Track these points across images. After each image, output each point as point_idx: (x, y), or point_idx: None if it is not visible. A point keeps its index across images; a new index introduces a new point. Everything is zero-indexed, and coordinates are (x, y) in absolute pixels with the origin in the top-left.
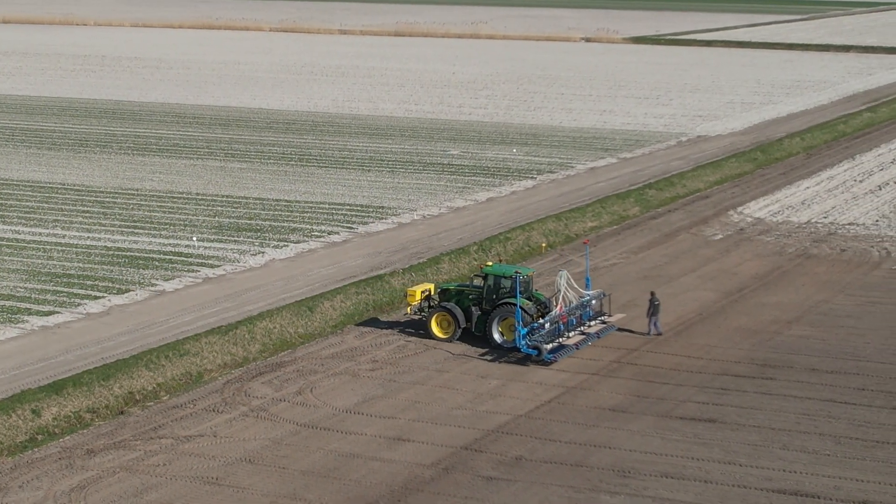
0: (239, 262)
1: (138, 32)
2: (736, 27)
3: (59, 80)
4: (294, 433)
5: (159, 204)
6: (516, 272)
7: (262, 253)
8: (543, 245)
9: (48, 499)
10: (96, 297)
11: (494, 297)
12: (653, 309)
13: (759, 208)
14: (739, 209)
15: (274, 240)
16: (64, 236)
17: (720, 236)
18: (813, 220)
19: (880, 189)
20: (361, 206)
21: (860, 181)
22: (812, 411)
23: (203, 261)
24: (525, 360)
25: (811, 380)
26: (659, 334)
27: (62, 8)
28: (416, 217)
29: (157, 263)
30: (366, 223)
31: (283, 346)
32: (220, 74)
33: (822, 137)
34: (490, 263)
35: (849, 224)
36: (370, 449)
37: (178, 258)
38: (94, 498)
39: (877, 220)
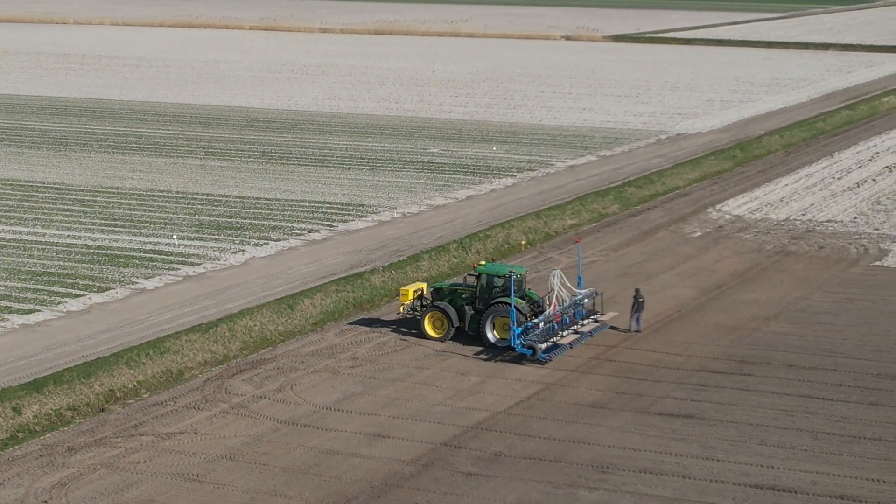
0: (219, 260)
1: (118, 31)
2: (716, 25)
3: (39, 79)
4: (274, 430)
5: (139, 202)
6: (511, 272)
7: (243, 251)
8: (523, 243)
9: (29, 496)
10: (77, 296)
11: (488, 296)
12: (637, 305)
13: (737, 206)
14: (718, 207)
15: (254, 238)
16: (44, 235)
17: (699, 234)
18: (791, 218)
19: (858, 186)
20: (341, 204)
21: (838, 178)
22: (789, 407)
23: (183, 259)
24: (520, 358)
25: (789, 376)
26: (638, 331)
27: (42, 6)
28: (396, 215)
29: (137, 262)
30: (346, 221)
31: (263, 343)
32: (201, 73)
33: (800, 135)
34: (483, 263)
35: (827, 221)
36: (350, 445)
37: (159, 256)
38: (75, 495)
39: (855, 218)
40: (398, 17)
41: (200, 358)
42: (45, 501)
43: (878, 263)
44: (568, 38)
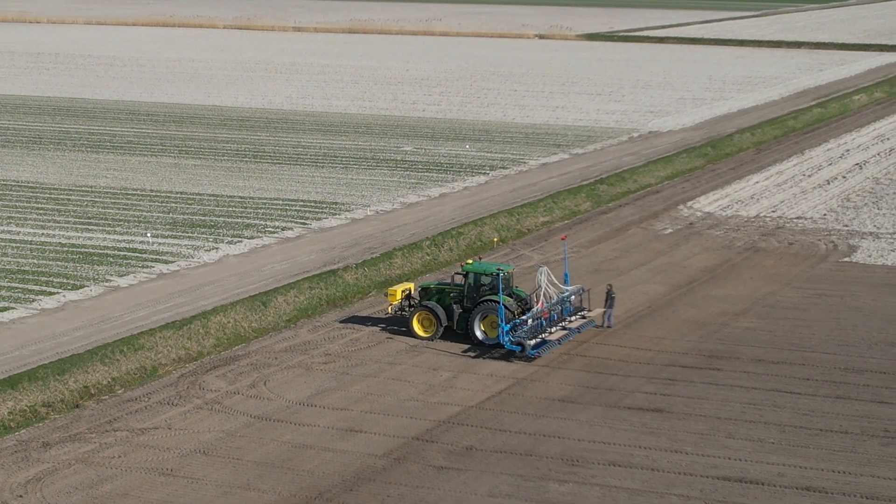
0: (193, 257)
1: (92, 30)
2: (689, 24)
3: (13, 78)
4: (248, 425)
5: (113, 201)
6: (498, 269)
7: (216, 248)
8: (495, 240)
9: (4, 490)
10: (51, 293)
11: (476, 294)
12: (609, 301)
13: (708, 203)
14: (689, 204)
15: (228, 235)
16: (18, 233)
17: (670, 230)
18: (762, 215)
19: (828, 184)
20: (315, 201)
21: (809, 176)
22: (757, 401)
23: (157, 256)
24: (509, 355)
25: (757, 370)
26: (609, 327)
27: (15, 5)
28: (369, 213)
29: (111, 259)
30: (319, 219)
31: (236, 340)
32: (175, 72)
33: (771, 133)
34: (471, 261)
35: (797, 218)
36: (323, 440)
37: (133, 254)
38: (50, 490)
39: (824, 214)
40: (372, 16)
41: (174, 354)
42: (21, 496)
43: (846, 259)
44: (541, 37)
